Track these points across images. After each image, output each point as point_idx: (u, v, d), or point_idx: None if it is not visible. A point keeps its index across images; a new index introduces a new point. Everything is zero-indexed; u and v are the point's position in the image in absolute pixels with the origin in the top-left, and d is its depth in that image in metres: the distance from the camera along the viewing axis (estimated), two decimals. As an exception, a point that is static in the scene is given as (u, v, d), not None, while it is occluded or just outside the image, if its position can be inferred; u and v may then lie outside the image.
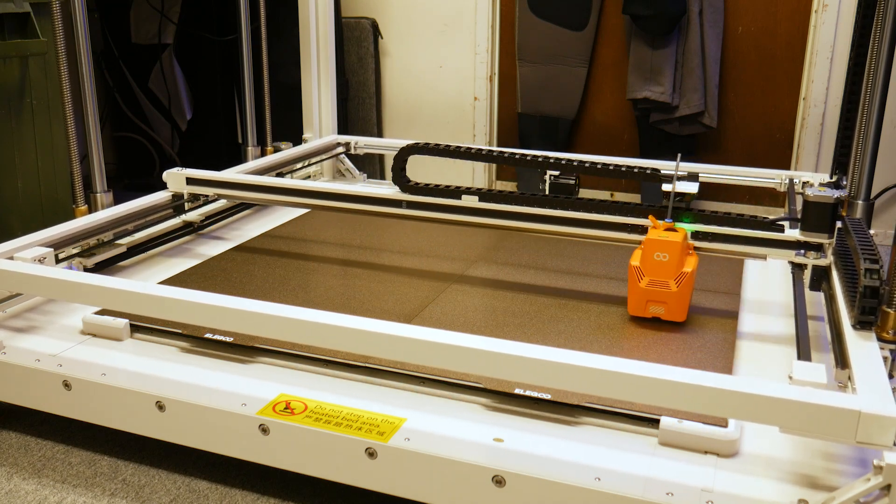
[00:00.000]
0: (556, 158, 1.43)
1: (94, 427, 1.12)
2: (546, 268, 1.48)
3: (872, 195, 1.50)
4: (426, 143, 1.43)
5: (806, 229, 1.23)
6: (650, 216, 1.26)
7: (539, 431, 0.97)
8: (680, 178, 1.29)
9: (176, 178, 1.61)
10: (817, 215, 1.22)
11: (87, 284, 1.09)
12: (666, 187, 1.28)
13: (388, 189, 1.46)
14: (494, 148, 1.46)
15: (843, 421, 0.78)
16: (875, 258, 1.02)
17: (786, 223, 1.25)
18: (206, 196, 1.66)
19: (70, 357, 1.14)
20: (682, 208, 1.28)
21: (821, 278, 1.30)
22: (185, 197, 1.63)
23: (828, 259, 1.24)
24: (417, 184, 1.42)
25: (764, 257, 1.27)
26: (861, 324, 1.01)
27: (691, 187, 1.29)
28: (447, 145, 1.42)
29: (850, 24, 2.17)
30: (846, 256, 1.17)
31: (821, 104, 2.29)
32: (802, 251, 1.24)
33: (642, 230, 1.28)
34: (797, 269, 1.30)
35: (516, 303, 1.31)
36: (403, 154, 1.43)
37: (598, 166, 1.35)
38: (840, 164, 1.64)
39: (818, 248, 1.24)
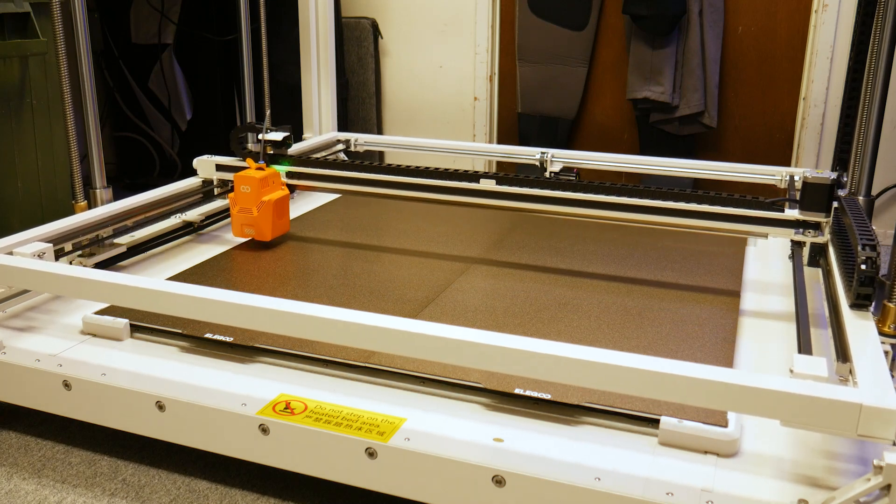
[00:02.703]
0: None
1: (94, 427, 1.12)
2: (546, 267, 1.48)
3: (873, 194, 1.50)
4: (252, 123, 1.71)
5: (804, 209, 1.30)
6: (248, 159, 1.60)
7: (539, 431, 0.97)
8: (271, 130, 1.65)
9: (206, 164, 1.71)
10: (815, 195, 1.29)
11: (85, 279, 1.08)
12: (261, 136, 1.63)
13: (427, 179, 1.55)
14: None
15: (845, 414, 0.78)
16: (873, 243, 1.07)
17: (785, 203, 1.33)
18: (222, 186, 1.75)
19: (70, 357, 1.14)
20: (279, 155, 1.64)
21: (818, 255, 1.40)
22: (215, 182, 1.72)
23: (825, 237, 1.31)
24: (252, 151, 1.66)
25: (765, 236, 1.35)
26: (857, 305, 1.07)
27: (278, 136, 1.64)
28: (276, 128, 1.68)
29: (850, 24, 2.17)
30: (842, 234, 1.24)
31: (821, 104, 2.29)
32: (801, 230, 1.32)
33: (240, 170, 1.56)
34: (797, 246, 1.37)
35: (516, 303, 1.31)
36: (240, 130, 1.68)
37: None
38: (840, 162, 1.64)
39: (816, 226, 1.31)
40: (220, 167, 1.70)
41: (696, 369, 0.83)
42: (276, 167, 1.61)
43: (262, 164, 1.58)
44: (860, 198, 1.48)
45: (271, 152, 1.65)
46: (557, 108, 2.54)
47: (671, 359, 0.84)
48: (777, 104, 2.39)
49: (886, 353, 0.96)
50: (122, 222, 1.49)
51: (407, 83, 2.71)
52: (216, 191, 1.72)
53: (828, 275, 1.27)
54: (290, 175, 1.62)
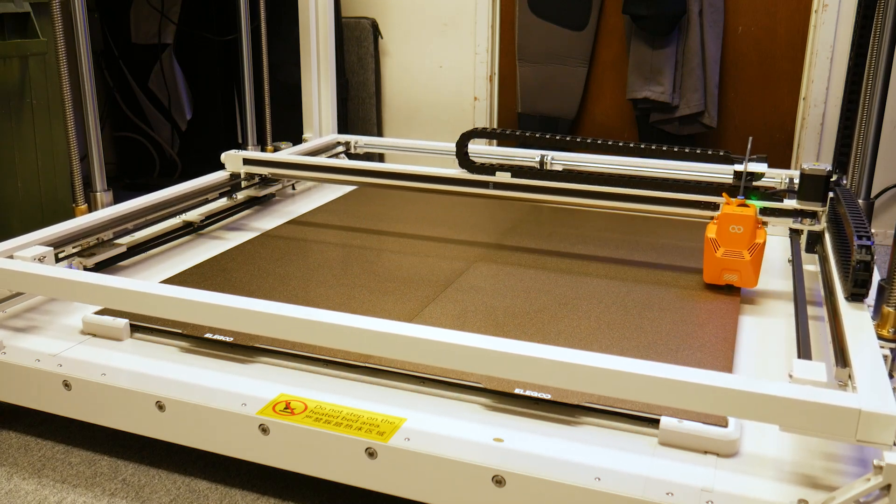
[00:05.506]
0: (615, 142, 1.50)
1: (94, 427, 1.13)
2: (546, 268, 1.48)
3: (872, 195, 1.50)
4: (485, 128, 1.56)
5: (802, 199, 1.37)
6: (724, 193, 1.39)
7: (539, 431, 0.97)
8: (750, 160, 1.41)
9: (233, 159, 1.80)
10: (812, 186, 1.36)
11: (86, 283, 1.09)
12: (738, 167, 1.40)
13: (447, 169, 1.61)
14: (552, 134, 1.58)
15: (844, 419, 0.78)
16: (867, 234, 1.11)
17: (784, 194, 1.40)
18: (260, 175, 1.84)
19: (70, 357, 1.14)
20: (749, 187, 1.40)
21: (815, 242, 1.48)
22: (242, 176, 1.81)
23: (821, 225, 1.39)
24: (483, 164, 1.57)
25: (765, 223, 1.39)
26: (853, 296, 1.10)
27: (761, 167, 1.41)
28: (507, 130, 1.54)
29: (850, 24, 2.17)
30: (838, 222, 1.30)
31: (821, 104, 2.29)
32: (799, 218, 1.39)
33: (714, 207, 1.43)
34: (794, 234, 1.44)
35: (516, 303, 1.31)
36: (465, 139, 1.56)
37: (675, 149, 1.45)
38: (840, 164, 1.64)
39: (812, 215, 1.38)
40: (247, 161, 1.78)
41: (696, 374, 0.83)
42: (753, 202, 1.38)
43: (741, 199, 1.36)
44: (859, 200, 1.48)
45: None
46: (557, 108, 2.54)
47: (672, 358, 0.85)
48: (777, 104, 2.39)
49: (885, 357, 0.96)
50: (122, 225, 1.49)
51: (407, 83, 2.71)
52: (243, 184, 1.81)
53: (824, 261, 1.33)
54: (762, 211, 1.39)
